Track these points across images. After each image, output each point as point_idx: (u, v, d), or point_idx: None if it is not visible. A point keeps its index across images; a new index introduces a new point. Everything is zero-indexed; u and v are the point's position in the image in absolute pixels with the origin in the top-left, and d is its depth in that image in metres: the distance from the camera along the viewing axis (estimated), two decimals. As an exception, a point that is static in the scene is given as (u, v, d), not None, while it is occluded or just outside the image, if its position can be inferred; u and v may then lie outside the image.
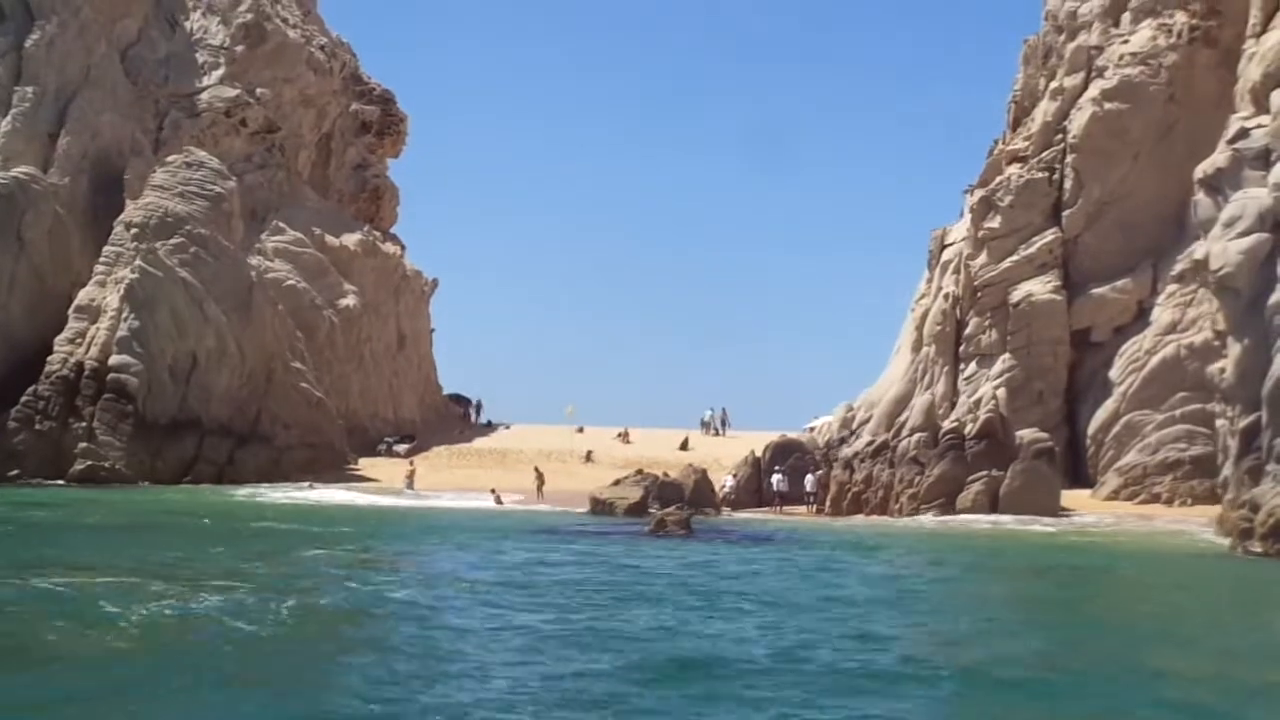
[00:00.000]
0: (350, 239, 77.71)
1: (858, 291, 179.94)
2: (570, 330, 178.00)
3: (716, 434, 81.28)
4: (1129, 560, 36.85)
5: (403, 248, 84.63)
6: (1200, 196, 45.96)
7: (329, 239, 76.12)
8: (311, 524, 40.63)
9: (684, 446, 75.93)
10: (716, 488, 56.15)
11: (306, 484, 60.51)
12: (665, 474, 53.29)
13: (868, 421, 63.19)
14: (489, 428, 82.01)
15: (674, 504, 45.08)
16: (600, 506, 45.86)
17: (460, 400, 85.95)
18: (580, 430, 79.96)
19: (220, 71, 75.79)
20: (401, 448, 73.03)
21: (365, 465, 69.28)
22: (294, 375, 66.19)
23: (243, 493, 55.85)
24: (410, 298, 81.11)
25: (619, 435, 79.01)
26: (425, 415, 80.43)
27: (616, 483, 49.53)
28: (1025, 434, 51.32)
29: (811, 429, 75.74)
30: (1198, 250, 56.75)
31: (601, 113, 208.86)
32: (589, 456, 73.35)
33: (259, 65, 77.58)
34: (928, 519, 49.72)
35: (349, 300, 74.70)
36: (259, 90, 76.56)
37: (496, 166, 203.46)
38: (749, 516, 53.17)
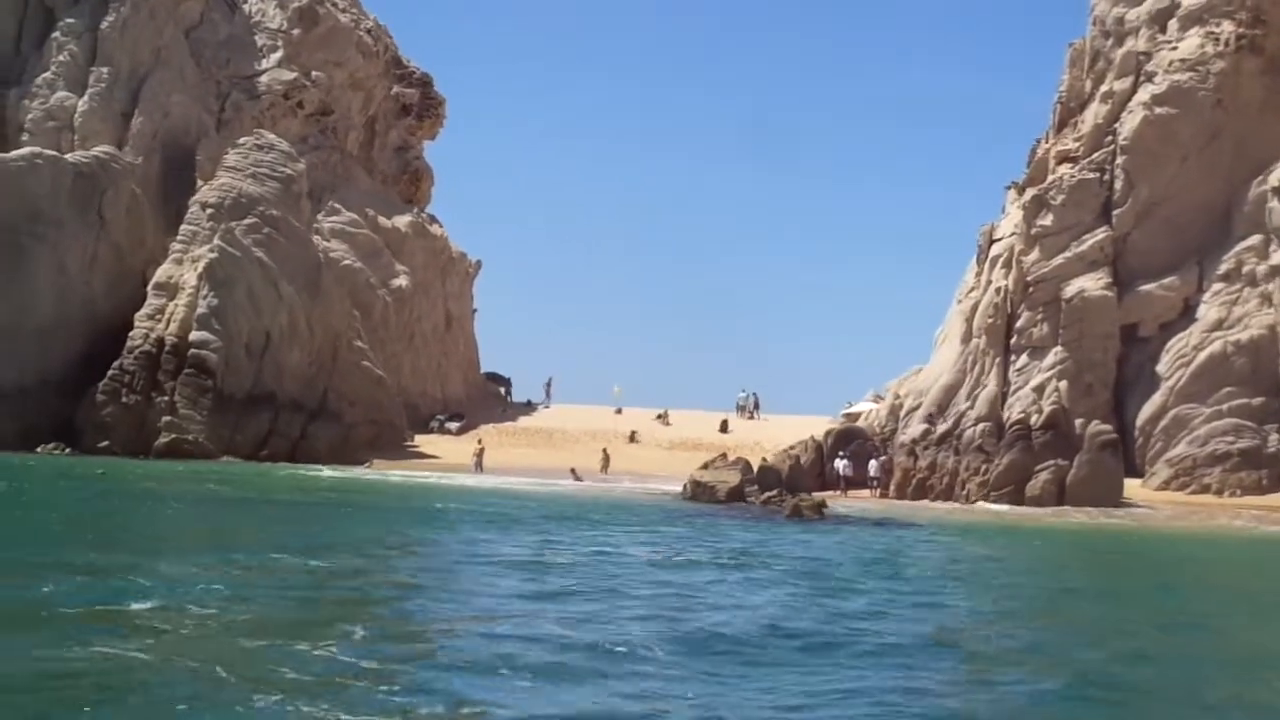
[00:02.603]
0: (401, 220, 79.61)
1: (875, 282, 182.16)
2: (597, 312, 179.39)
3: (750, 417, 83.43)
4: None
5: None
6: (1274, 204, 48.37)
7: (381, 220, 78.00)
8: (483, 504, 42.58)
9: (724, 429, 78.17)
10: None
11: (365, 464, 62.57)
12: (740, 458, 55.45)
13: (916, 409, 65.37)
14: (529, 407, 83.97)
15: (773, 488, 47.30)
16: (701, 490, 47.88)
17: (497, 379, 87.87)
18: (619, 411, 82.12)
19: (278, 54, 77.47)
20: (453, 425, 75.07)
21: (422, 442, 71.27)
22: (357, 354, 68.11)
23: (331, 473, 57.17)
24: (456, 279, 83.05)
25: (658, 416, 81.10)
26: (470, 394, 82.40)
27: (705, 466, 51.57)
28: (1090, 426, 53.73)
29: (848, 415, 78.18)
30: (1242, 251, 59.67)
31: (636, 95, 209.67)
32: (633, 437, 75.50)
33: (311, 48, 79.25)
34: (1004, 507, 52.10)
35: (401, 280, 76.60)
36: (314, 73, 78.28)
37: (525, 148, 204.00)
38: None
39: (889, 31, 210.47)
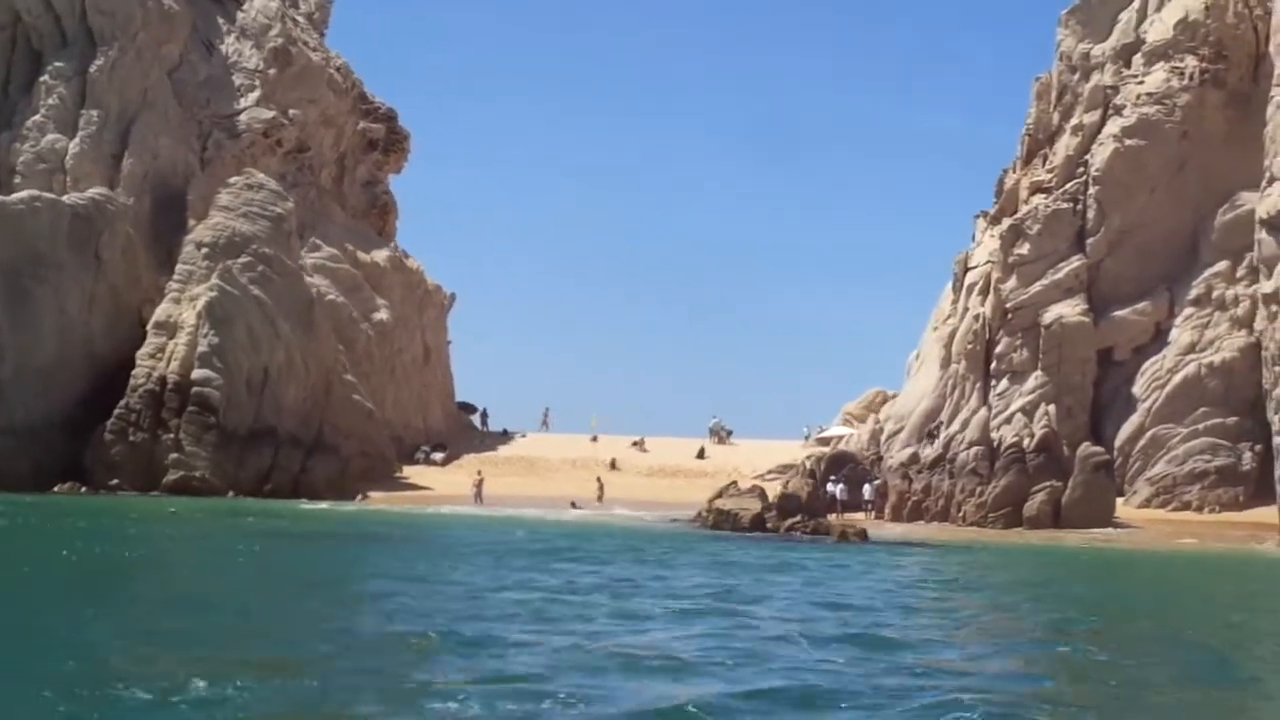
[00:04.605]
0: (380, 255, 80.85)
1: (825, 307, 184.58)
2: (568, 341, 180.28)
3: (721, 441, 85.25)
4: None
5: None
6: (1263, 235, 50.90)
7: (360, 255, 79.19)
8: (542, 537, 43.60)
9: (701, 455, 79.94)
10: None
11: (360, 496, 63.90)
12: (755, 485, 57.20)
13: (898, 433, 67.54)
14: (505, 436, 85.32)
15: (795, 514, 49.07)
16: (724, 518, 49.44)
17: (469, 408, 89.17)
18: (595, 439, 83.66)
19: (256, 94, 78.45)
20: (438, 456, 76.32)
21: (410, 474, 72.47)
22: (348, 388, 69.33)
23: (350, 507, 58.80)
24: (432, 311, 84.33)
25: (634, 444, 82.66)
26: (449, 425, 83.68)
27: (720, 494, 53.15)
28: (1082, 448, 56.03)
29: (821, 439, 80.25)
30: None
31: (592, 117, 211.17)
32: (614, 464, 77.05)
33: (286, 87, 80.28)
34: (991, 530, 54.19)
35: (382, 314, 77.81)
36: (291, 111, 79.39)
37: (484, 176, 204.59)
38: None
39: (852, 63, 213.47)
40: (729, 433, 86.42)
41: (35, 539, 38.25)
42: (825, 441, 78.50)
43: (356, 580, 29.93)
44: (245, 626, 21.05)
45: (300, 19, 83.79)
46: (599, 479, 66.92)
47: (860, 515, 59.88)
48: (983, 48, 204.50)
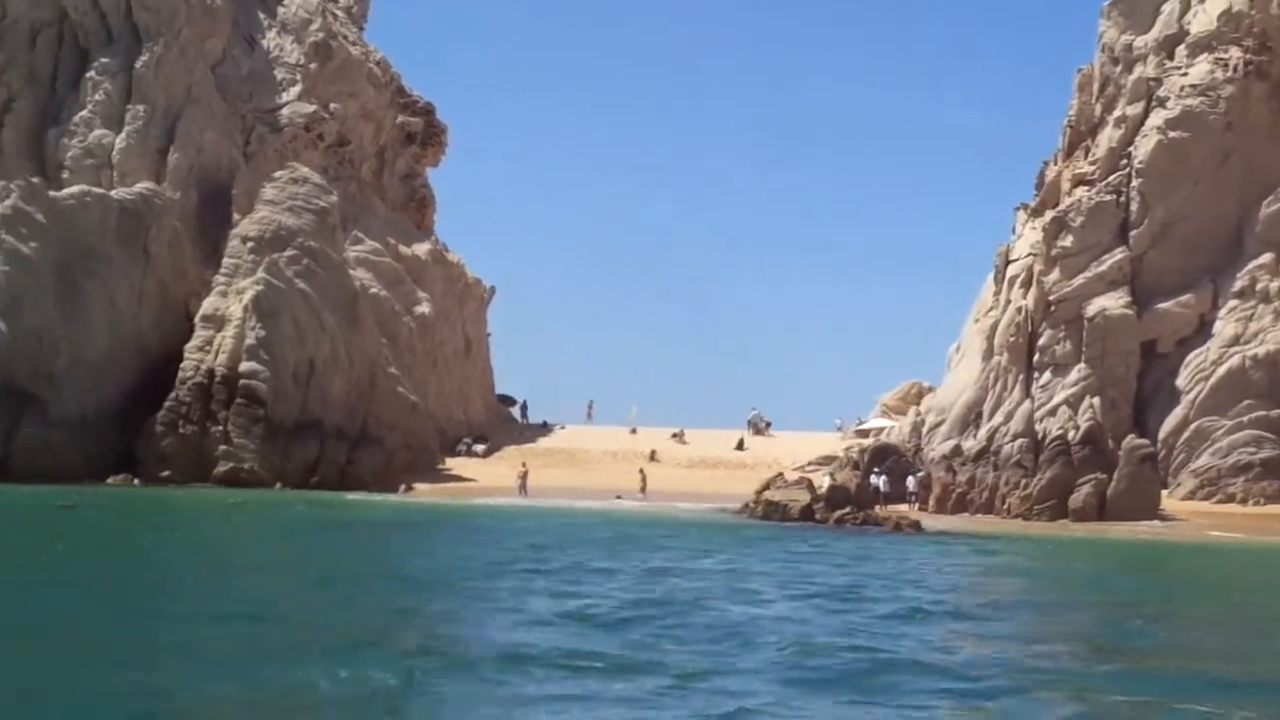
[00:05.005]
0: (421, 248, 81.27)
1: (861, 299, 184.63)
2: (605, 334, 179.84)
3: (759, 433, 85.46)
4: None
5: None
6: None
7: (401, 248, 79.61)
8: (619, 526, 44.57)
9: (740, 447, 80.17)
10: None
11: (403, 488, 64.38)
12: (803, 477, 57.50)
13: (940, 425, 67.74)
14: (545, 428, 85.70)
15: (843, 505, 49.37)
16: (773, 508, 49.83)
17: (508, 400, 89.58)
18: (634, 431, 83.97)
19: (297, 88, 78.89)
20: (479, 448, 76.70)
21: (452, 465, 72.93)
22: (392, 380, 69.73)
23: (393, 499, 59.61)
24: (472, 304, 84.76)
25: (673, 435, 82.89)
26: (489, 417, 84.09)
27: (767, 485, 53.46)
28: (1127, 441, 56.17)
29: (860, 430, 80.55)
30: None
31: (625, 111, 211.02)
32: (653, 456, 77.32)
33: (327, 81, 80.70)
34: (1036, 523, 54.41)
35: (424, 307, 78.18)
36: (332, 105, 79.82)
37: (524, 172, 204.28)
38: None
39: (887, 58, 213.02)
40: (768, 424, 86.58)
41: (145, 527, 39.85)
42: (865, 434, 78.78)
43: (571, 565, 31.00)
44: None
45: (340, 13, 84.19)
46: (641, 471, 67.21)
47: (903, 507, 60.04)
48: (1011, 42, 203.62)
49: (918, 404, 75.92)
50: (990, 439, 61.49)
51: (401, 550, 35.96)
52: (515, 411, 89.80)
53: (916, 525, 44.53)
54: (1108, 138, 67.19)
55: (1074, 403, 61.05)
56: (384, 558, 33.55)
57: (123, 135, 69.33)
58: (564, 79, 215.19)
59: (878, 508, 59.54)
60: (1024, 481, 57.96)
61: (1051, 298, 64.84)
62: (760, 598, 25.66)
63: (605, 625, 21.28)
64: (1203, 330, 63.83)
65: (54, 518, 40.71)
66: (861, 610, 24.24)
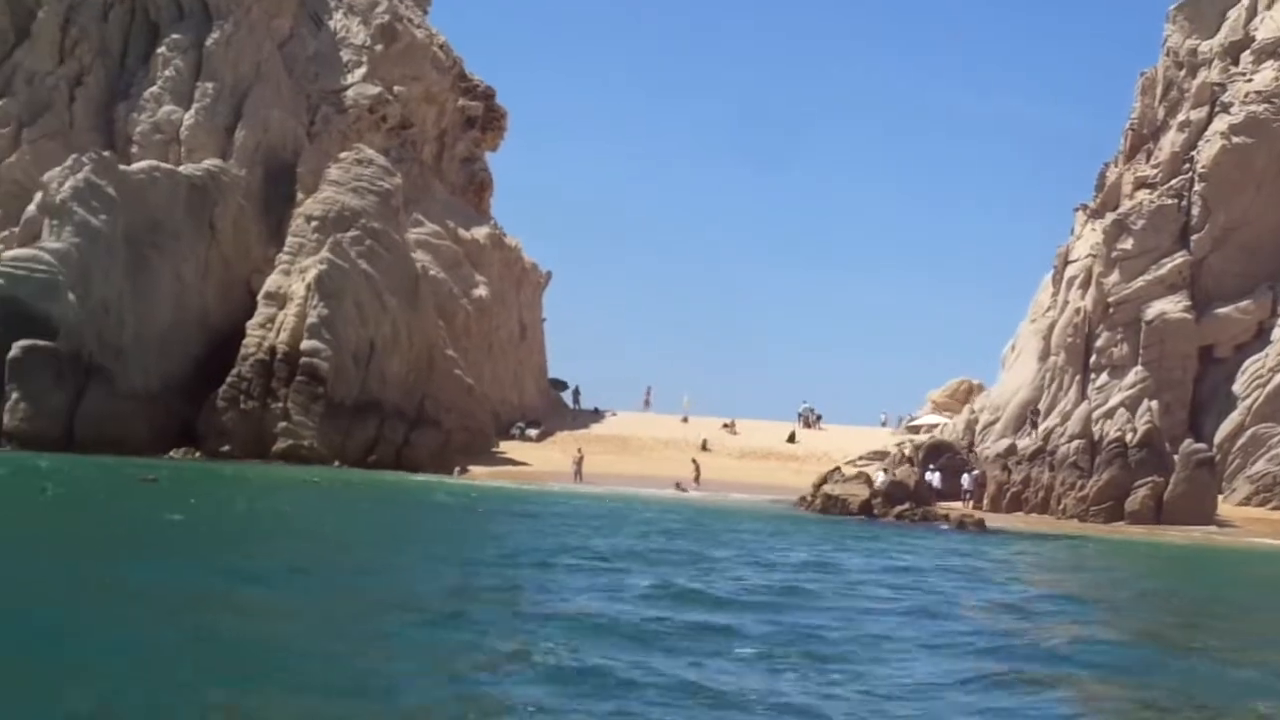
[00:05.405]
0: (480, 232, 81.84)
1: (903, 296, 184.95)
2: (658, 323, 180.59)
3: (809, 426, 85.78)
4: None
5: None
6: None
7: (461, 232, 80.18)
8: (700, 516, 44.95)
9: (791, 439, 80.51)
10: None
11: (458, 470, 64.96)
12: (860, 471, 57.87)
13: (994, 423, 68.00)
14: (597, 414, 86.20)
15: (902, 501, 49.71)
16: (832, 502, 50.22)
17: (559, 385, 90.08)
18: (685, 420, 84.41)
19: (362, 70, 79.52)
20: (533, 432, 77.26)
21: (505, 449, 73.49)
22: (450, 363, 70.32)
23: (455, 481, 60.42)
24: (529, 289, 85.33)
25: (725, 425, 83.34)
26: (542, 402, 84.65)
27: (824, 479, 53.81)
28: (1185, 445, 56.33)
29: (912, 426, 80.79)
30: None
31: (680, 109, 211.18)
32: (705, 445, 77.76)
33: (391, 63, 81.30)
34: (1092, 524, 54.67)
35: (481, 290, 78.75)
36: (395, 88, 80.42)
37: (587, 160, 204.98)
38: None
39: (924, 52, 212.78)
40: (818, 417, 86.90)
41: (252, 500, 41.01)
42: (916, 429, 79.03)
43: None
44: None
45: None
46: (694, 460, 67.63)
47: (957, 504, 60.30)
48: (1073, 41, 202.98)
49: (968, 401, 76.21)
50: (1046, 439, 61.73)
51: (504, 533, 36.35)
52: (567, 396, 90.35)
53: (981, 524, 44.87)
54: (1170, 141, 67.23)
55: (1131, 405, 61.20)
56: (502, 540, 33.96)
57: (191, 112, 70.14)
58: (626, 64, 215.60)
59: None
60: (1080, 482, 58.20)
61: (1110, 300, 64.95)
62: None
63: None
64: (1261, 336, 63.83)
65: (145, 491, 41.37)
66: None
